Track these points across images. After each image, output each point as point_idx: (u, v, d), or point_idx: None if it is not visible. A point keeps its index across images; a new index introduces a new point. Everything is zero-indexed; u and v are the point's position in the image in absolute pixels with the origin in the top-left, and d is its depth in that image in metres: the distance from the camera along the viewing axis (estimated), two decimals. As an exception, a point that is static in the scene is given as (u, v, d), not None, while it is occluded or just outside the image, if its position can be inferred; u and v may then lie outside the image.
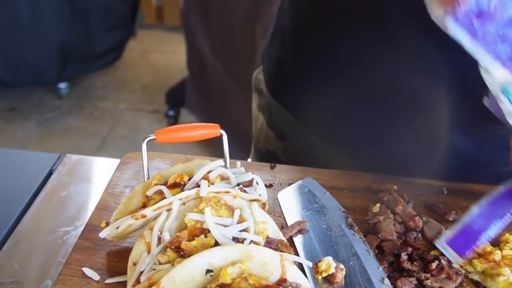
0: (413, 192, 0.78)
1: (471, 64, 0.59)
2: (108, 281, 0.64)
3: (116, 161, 0.88)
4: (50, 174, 0.95)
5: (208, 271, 0.55)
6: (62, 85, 3.52)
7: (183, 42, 3.07)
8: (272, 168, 0.84)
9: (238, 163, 0.73)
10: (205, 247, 0.57)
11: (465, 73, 0.65)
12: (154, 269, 0.58)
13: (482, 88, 0.61)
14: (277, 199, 0.77)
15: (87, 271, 0.66)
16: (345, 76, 0.87)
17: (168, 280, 0.54)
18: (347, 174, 0.83)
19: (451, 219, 0.74)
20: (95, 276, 0.65)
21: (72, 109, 3.45)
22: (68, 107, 3.47)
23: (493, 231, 0.62)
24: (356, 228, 0.71)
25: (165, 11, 4.41)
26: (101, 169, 0.96)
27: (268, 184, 0.80)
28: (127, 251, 0.65)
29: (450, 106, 0.79)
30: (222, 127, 0.72)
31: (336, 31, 0.88)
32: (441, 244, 0.65)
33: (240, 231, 0.59)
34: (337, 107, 0.89)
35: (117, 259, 0.67)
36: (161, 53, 4.24)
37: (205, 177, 0.64)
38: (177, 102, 3.21)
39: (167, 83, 3.50)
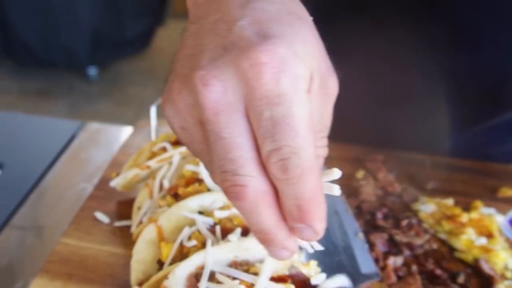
0: (398, 163, 0.85)
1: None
2: (116, 224, 0.74)
3: (132, 129, 0.98)
4: (72, 138, 1.05)
5: (199, 212, 0.63)
6: (92, 71, 3.65)
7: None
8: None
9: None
10: (198, 193, 0.65)
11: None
12: (155, 212, 0.67)
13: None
14: (272, 164, 0.85)
15: (99, 215, 0.75)
16: (347, 61, 0.94)
17: (164, 219, 0.63)
18: (338, 145, 0.90)
19: (429, 188, 0.81)
20: (105, 219, 0.74)
21: (101, 94, 3.58)
22: (97, 92, 3.60)
23: None
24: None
25: (195, 1, 4.51)
26: (118, 135, 1.05)
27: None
28: (134, 200, 0.74)
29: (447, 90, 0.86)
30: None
31: (341, 23, 0.95)
32: (504, 225, 0.70)
33: (231, 182, 0.67)
34: (340, 93, 0.96)
35: (125, 207, 0.76)
36: (190, 42, 4.33)
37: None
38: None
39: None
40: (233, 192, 0.37)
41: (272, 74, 0.34)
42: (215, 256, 0.56)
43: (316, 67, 0.38)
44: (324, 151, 0.43)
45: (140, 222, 0.68)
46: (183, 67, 0.37)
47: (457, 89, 0.83)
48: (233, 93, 0.35)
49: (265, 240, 0.40)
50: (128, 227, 0.72)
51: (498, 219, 0.74)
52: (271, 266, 0.54)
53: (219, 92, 0.35)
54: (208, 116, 0.36)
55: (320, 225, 0.39)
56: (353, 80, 0.94)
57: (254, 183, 0.36)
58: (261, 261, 0.57)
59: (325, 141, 0.43)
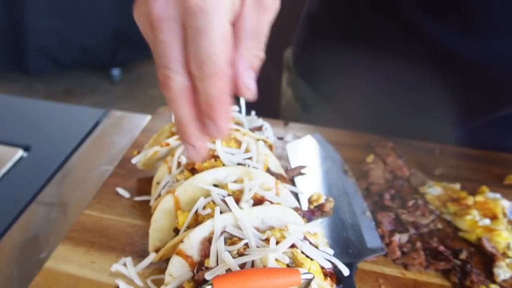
0: (407, 150, 0.88)
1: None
2: (136, 198, 0.78)
3: (153, 116, 1.02)
4: (96, 124, 1.10)
5: (214, 185, 0.67)
6: (116, 72, 3.73)
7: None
8: (285, 125, 0.96)
9: (253, 112, 0.85)
10: (214, 168, 0.69)
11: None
12: (172, 186, 0.71)
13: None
14: (285, 148, 0.89)
15: (120, 190, 0.79)
16: (361, 58, 0.98)
17: (181, 190, 0.67)
18: (351, 133, 0.94)
19: (437, 173, 0.84)
20: (126, 194, 0.79)
21: (124, 94, 3.65)
22: (120, 92, 3.68)
23: None
24: (350, 173, 0.81)
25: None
26: (140, 122, 1.09)
27: (279, 137, 0.92)
28: (153, 177, 0.78)
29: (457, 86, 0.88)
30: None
31: (355, 19, 0.99)
32: (510, 207, 0.72)
33: (244, 159, 0.71)
34: (351, 85, 1.00)
35: (145, 184, 0.80)
36: (212, 44, 4.39)
37: (221, 118, 0.77)
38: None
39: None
40: (162, 82, 0.49)
41: None
42: (227, 221, 0.59)
43: None
44: (258, 59, 0.51)
45: (159, 196, 0.72)
46: None
47: (467, 80, 0.86)
48: (173, 6, 0.46)
49: (181, 133, 0.51)
50: (147, 201, 0.76)
51: (503, 203, 0.76)
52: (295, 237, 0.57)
53: (162, 7, 0.46)
54: (154, 23, 0.47)
55: (223, 124, 0.49)
56: (367, 75, 0.98)
57: (179, 78, 0.48)
58: (271, 229, 0.60)
59: (260, 50, 0.51)
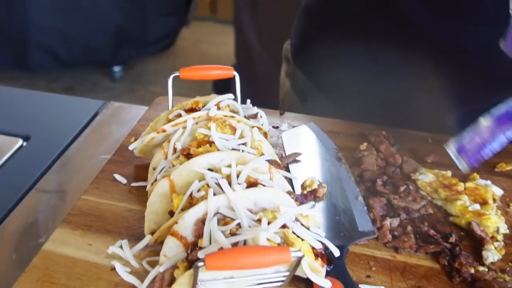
0: (400, 138, 0.89)
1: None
2: (133, 184, 0.79)
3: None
4: (95, 115, 1.12)
5: (208, 169, 0.68)
6: (117, 69, 3.74)
7: (234, 34, 3.23)
8: (281, 114, 0.97)
9: (248, 100, 0.87)
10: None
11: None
12: (168, 171, 0.72)
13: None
14: (281, 137, 0.90)
15: (117, 176, 0.81)
16: (357, 49, 1.00)
17: (176, 174, 0.68)
18: (346, 122, 0.95)
19: (429, 161, 0.85)
20: (123, 180, 0.80)
21: (125, 91, 3.67)
22: (121, 89, 3.70)
23: (497, 144, 0.66)
24: (344, 160, 0.83)
25: (219, 4, 4.60)
26: (138, 113, 1.10)
27: (275, 126, 0.93)
28: (149, 164, 0.79)
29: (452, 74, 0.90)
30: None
31: (351, 11, 1.00)
32: (451, 149, 0.70)
33: (239, 145, 0.73)
34: (348, 76, 1.01)
35: (142, 170, 0.82)
36: (212, 43, 4.42)
37: (216, 105, 0.78)
38: (223, 88, 3.36)
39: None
40: None
41: None
42: (221, 202, 0.61)
43: None
44: None
45: (155, 181, 0.73)
46: None
47: (460, 68, 0.87)
48: None
49: None
50: (144, 187, 0.78)
51: (494, 189, 0.77)
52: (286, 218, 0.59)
53: None
54: None
55: None
56: (363, 65, 0.99)
57: None
58: (263, 210, 0.62)
59: None
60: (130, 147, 0.80)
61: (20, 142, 1.04)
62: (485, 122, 0.67)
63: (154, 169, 0.76)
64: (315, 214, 0.71)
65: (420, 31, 0.88)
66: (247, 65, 3.12)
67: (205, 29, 4.61)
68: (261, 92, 2.98)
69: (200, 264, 0.52)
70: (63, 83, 3.64)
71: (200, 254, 0.55)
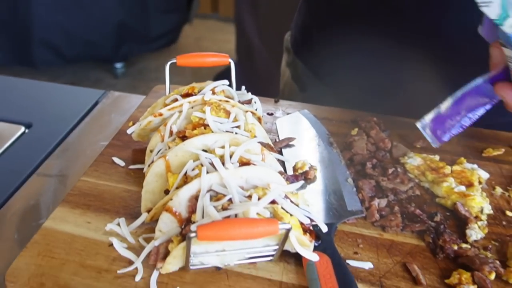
0: (391, 125, 0.92)
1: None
2: (131, 167, 0.82)
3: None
4: (96, 104, 1.14)
5: (203, 150, 0.71)
6: (118, 65, 3.78)
7: (236, 32, 3.26)
8: (275, 102, 1.00)
9: (243, 87, 0.89)
10: (203, 135, 0.73)
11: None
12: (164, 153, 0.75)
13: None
14: (275, 123, 0.93)
15: (116, 159, 0.83)
16: (354, 39, 1.02)
17: (172, 154, 0.71)
18: (339, 109, 0.98)
19: (418, 146, 0.88)
20: (121, 163, 0.83)
21: (126, 88, 3.69)
22: (123, 86, 3.73)
23: (466, 120, 0.71)
24: (335, 145, 0.85)
25: (220, 2, 4.63)
26: (137, 102, 1.13)
27: (270, 113, 0.96)
28: (147, 148, 0.82)
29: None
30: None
31: (349, 3, 1.03)
32: (421, 126, 0.74)
33: (233, 128, 0.75)
34: (345, 66, 1.04)
35: (139, 154, 0.84)
36: (214, 41, 4.45)
37: (211, 91, 0.81)
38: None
39: (216, 69, 3.71)
40: None
41: None
42: (213, 179, 0.63)
43: None
44: None
45: (152, 163, 0.76)
46: None
47: (450, 56, 0.89)
48: None
49: None
50: (141, 170, 0.81)
51: (480, 172, 0.80)
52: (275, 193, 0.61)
53: None
54: None
55: None
56: (359, 55, 1.02)
57: None
58: (255, 188, 0.64)
59: None
60: (128, 131, 0.83)
61: (22, 129, 1.07)
62: (451, 100, 0.71)
63: (151, 151, 0.78)
64: (305, 194, 0.74)
65: (411, 20, 0.91)
66: (248, 62, 3.15)
67: (207, 27, 4.64)
68: (261, 88, 3.00)
69: (192, 234, 0.55)
70: (65, 80, 3.67)
71: (193, 227, 0.58)
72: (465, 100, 0.71)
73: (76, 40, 3.40)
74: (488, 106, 0.71)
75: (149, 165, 0.76)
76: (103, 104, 1.15)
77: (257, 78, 3.02)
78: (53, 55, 3.42)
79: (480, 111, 0.72)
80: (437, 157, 0.83)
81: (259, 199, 0.61)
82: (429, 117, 0.73)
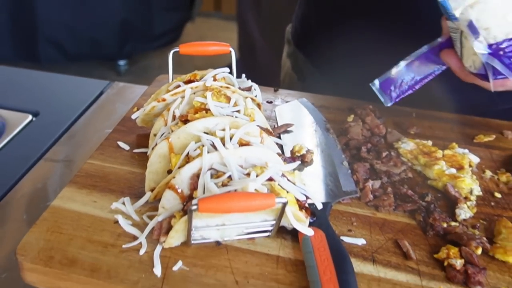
0: (386, 112, 0.95)
1: None
2: (136, 150, 0.85)
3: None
4: (101, 94, 1.18)
5: (204, 133, 0.74)
6: (122, 63, 3.81)
7: (239, 30, 3.30)
8: (275, 91, 1.03)
9: (243, 75, 0.93)
10: (205, 118, 0.76)
11: None
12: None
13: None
14: (274, 111, 0.96)
15: (121, 143, 0.87)
16: (352, 30, 1.06)
17: (175, 136, 0.74)
18: (336, 98, 1.01)
19: (412, 132, 0.91)
20: (126, 147, 0.86)
21: (129, 85, 3.72)
22: (126, 83, 3.76)
23: (416, 83, 0.79)
24: (332, 131, 0.89)
25: (223, 0, 4.66)
26: (142, 92, 1.17)
27: (269, 101, 0.99)
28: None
29: None
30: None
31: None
32: (375, 86, 0.81)
33: (233, 112, 0.79)
34: (343, 56, 1.07)
35: (144, 138, 0.88)
36: (216, 39, 4.38)
37: (212, 78, 0.84)
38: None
39: (218, 66, 3.74)
40: None
41: None
42: (214, 158, 0.67)
43: None
44: None
45: (155, 146, 0.79)
46: None
47: None
48: None
49: None
50: (145, 153, 0.84)
51: (470, 156, 0.83)
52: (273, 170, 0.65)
53: None
54: None
55: None
56: (357, 46, 1.05)
57: None
58: (253, 166, 0.68)
59: None
60: (133, 116, 0.86)
61: (29, 117, 1.10)
62: (404, 63, 0.79)
63: (155, 135, 0.82)
64: (302, 176, 0.77)
65: (409, 11, 0.94)
66: (250, 59, 3.18)
67: (209, 25, 4.68)
68: (263, 85, 3.05)
69: (194, 207, 0.58)
70: (69, 77, 3.70)
71: (194, 201, 0.61)
72: (415, 64, 0.79)
73: (80, 38, 3.43)
74: (436, 71, 0.79)
75: (152, 148, 0.79)
76: (108, 94, 1.18)
77: (260, 75, 3.05)
78: (58, 53, 3.45)
79: (429, 75, 0.79)
80: (429, 143, 0.86)
81: (257, 176, 0.64)
82: (382, 78, 0.81)
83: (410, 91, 0.80)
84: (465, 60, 0.74)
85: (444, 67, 0.79)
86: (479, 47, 0.69)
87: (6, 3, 3.17)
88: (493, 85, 0.72)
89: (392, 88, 0.80)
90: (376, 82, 0.81)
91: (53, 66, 3.63)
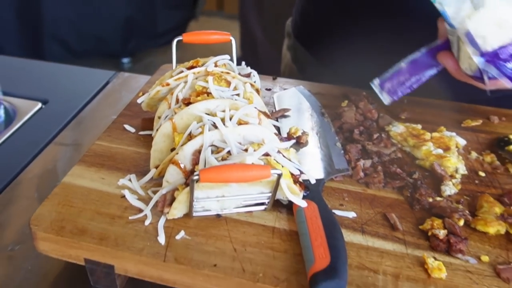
0: (378, 99, 0.99)
1: None
2: (141, 133, 0.90)
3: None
4: (107, 83, 1.23)
5: (206, 114, 0.79)
6: (125, 60, 3.87)
7: (241, 29, 3.35)
8: (273, 79, 1.08)
9: (243, 62, 0.97)
10: (206, 101, 0.81)
11: None
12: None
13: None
14: (272, 97, 1.01)
15: (127, 126, 0.92)
16: (351, 23, 1.11)
17: (178, 117, 0.79)
18: (332, 86, 1.06)
19: (403, 117, 0.96)
20: (132, 129, 0.91)
21: (133, 82, 3.78)
22: (131, 73, 3.81)
23: (414, 82, 0.83)
24: (326, 115, 0.94)
25: (226, 0, 4.72)
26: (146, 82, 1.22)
27: (268, 88, 1.04)
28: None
29: None
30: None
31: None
32: (375, 85, 0.85)
33: (233, 95, 0.84)
34: (341, 47, 1.12)
35: (149, 122, 0.93)
36: (218, 38, 4.51)
37: (214, 64, 0.89)
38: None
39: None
40: None
41: None
42: (215, 136, 0.72)
43: None
44: None
45: (160, 126, 0.84)
46: None
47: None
48: None
49: None
50: (150, 135, 0.89)
51: (457, 139, 0.88)
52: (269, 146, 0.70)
53: None
54: None
55: None
56: (356, 38, 1.10)
57: None
58: (251, 143, 0.73)
59: None
60: (139, 100, 0.91)
61: (39, 105, 1.16)
62: (403, 64, 0.83)
63: (159, 118, 0.87)
64: (297, 155, 0.82)
65: (406, 2, 0.99)
66: (252, 57, 3.24)
67: (212, 24, 4.73)
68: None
69: (196, 177, 0.63)
70: (74, 74, 3.76)
71: (196, 172, 0.66)
72: (414, 65, 0.83)
73: (84, 35, 3.49)
74: (434, 72, 0.83)
75: (157, 129, 0.84)
76: (113, 83, 1.23)
77: (262, 73, 3.09)
78: (62, 50, 3.51)
79: (427, 75, 0.83)
80: (419, 126, 0.91)
81: (254, 151, 0.69)
82: (382, 77, 0.85)
83: (408, 90, 0.83)
84: (461, 62, 0.77)
85: (440, 67, 0.82)
86: (477, 60, 0.73)
87: (12, 0, 3.23)
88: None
89: (392, 87, 0.83)
90: (376, 81, 0.85)
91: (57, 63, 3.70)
